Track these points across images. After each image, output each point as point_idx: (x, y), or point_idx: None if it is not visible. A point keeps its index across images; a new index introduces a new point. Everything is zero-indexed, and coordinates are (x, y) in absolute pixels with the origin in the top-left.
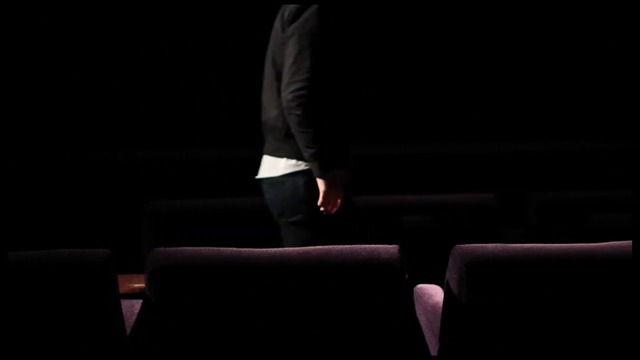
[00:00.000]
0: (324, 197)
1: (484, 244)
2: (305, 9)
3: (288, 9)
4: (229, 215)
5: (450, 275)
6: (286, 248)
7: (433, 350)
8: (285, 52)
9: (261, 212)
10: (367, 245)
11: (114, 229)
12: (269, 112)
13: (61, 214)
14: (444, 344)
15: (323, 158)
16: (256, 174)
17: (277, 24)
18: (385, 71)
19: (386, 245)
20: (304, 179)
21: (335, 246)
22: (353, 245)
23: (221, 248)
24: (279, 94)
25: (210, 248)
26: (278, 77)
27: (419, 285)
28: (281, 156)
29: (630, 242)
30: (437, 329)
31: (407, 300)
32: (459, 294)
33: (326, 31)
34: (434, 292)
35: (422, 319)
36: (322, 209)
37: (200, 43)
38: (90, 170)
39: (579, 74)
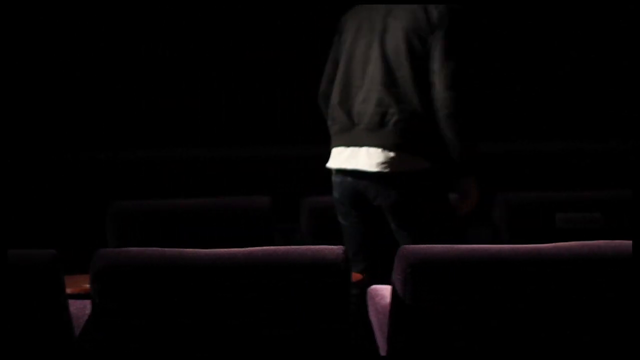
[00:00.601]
0: (471, 197)
1: (429, 245)
2: (456, 12)
3: (436, 10)
4: (194, 215)
5: (396, 276)
6: (232, 249)
7: (383, 350)
8: (439, 51)
9: (224, 212)
10: (312, 246)
11: (92, 229)
12: (403, 105)
13: (47, 213)
14: (391, 345)
15: (475, 158)
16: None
17: (416, 17)
18: None
19: (332, 246)
20: (436, 177)
21: (281, 247)
22: (299, 246)
23: (166, 249)
24: (419, 89)
25: (154, 249)
26: (417, 71)
27: (373, 286)
28: (413, 153)
29: (579, 242)
30: (386, 330)
31: (358, 300)
32: (404, 294)
33: (474, 35)
34: (386, 293)
35: (373, 319)
36: (464, 208)
37: (200, 43)
38: (80, 170)
39: (540, 75)
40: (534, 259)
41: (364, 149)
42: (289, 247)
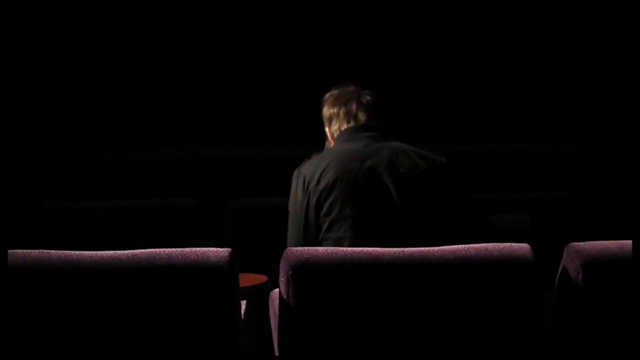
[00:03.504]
0: None
1: (315, 247)
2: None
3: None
4: (121, 216)
5: (280, 278)
6: (116, 251)
7: (277, 350)
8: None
9: (149, 213)
10: (197, 249)
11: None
12: None
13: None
14: (281, 345)
15: None
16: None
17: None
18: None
19: (217, 249)
20: None
21: (165, 249)
22: (184, 249)
23: (52, 251)
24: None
25: (40, 251)
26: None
27: (275, 290)
28: None
29: (465, 246)
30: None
31: (257, 303)
32: (287, 296)
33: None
34: None
35: (272, 321)
36: None
37: (200, 43)
38: (79, 170)
39: (483, 75)
40: (416, 262)
41: None
42: (174, 249)
